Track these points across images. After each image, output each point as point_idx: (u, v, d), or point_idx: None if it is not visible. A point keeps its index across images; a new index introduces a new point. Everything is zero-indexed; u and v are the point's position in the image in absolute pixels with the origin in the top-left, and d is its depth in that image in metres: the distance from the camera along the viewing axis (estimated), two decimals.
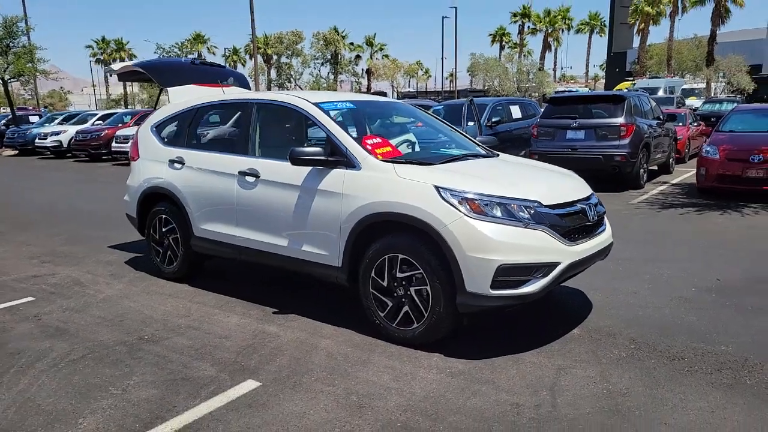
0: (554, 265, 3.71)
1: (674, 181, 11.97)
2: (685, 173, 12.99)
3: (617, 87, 32.38)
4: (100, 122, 23.28)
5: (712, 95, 31.27)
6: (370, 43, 52.45)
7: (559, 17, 51.55)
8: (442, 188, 3.75)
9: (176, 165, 5.43)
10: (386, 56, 53.82)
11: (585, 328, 4.24)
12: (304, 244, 4.44)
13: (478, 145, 5.21)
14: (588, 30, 51.45)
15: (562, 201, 3.94)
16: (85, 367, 3.78)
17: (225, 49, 68.78)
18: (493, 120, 12.39)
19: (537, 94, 31.67)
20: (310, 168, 4.36)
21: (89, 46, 61.67)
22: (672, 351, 3.82)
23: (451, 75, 68.26)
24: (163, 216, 5.63)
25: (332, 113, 4.57)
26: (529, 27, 55.04)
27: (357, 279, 4.20)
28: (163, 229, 5.65)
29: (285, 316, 4.61)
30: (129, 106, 59.15)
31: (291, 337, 4.20)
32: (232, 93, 6.26)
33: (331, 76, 46.17)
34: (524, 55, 39.77)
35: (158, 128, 5.86)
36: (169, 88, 6.03)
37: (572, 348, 3.90)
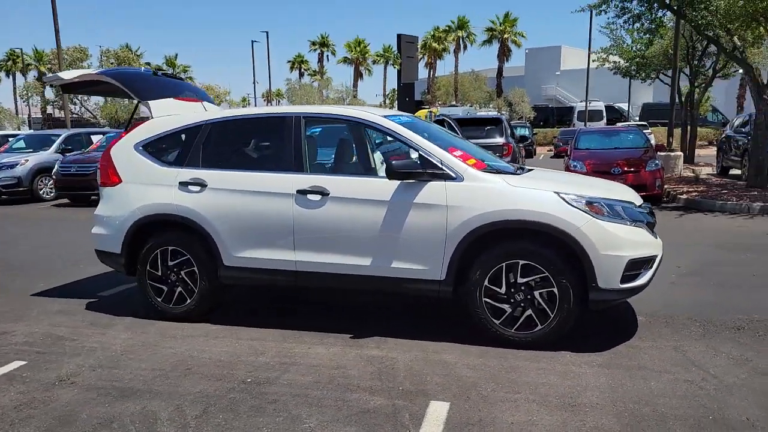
0: (655, 257, 4.19)
1: None
2: None
3: (416, 114, 35.51)
4: None
5: None
6: (171, 63, 49.33)
7: (368, 48, 54.80)
8: (563, 194, 4.00)
9: (192, 188, 4.78)
10: (190, 78, 51.17)
11: (644, 314, 4.77)
12: (395, 260, 4.29)
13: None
14: (383, 61, 55.61)
15: (641, 202, 4.46)
16: (225, 420, 3.20)
17: None
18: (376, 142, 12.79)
19: None
20: (397, 182, 4.25)
21: None
22: (729, 323, 4.53)
23: (244, 99, 67.22)
24: (170, 248, 4.89)
25: (404, 126, 4.52)
26: (327, 56, 57.58)
27: (458, 291, 4.21)
28: (170, 263, 4.90)
29: (370, 339, 4.37)
30: None
31: (409, 357, 4.02)
32: (211, 109, 5.74)
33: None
34: (325, 81, 41.28)
35: (147, 147, 5.09)
36: (150, 102, 5.28)
37: (660, 331, 4.40)
